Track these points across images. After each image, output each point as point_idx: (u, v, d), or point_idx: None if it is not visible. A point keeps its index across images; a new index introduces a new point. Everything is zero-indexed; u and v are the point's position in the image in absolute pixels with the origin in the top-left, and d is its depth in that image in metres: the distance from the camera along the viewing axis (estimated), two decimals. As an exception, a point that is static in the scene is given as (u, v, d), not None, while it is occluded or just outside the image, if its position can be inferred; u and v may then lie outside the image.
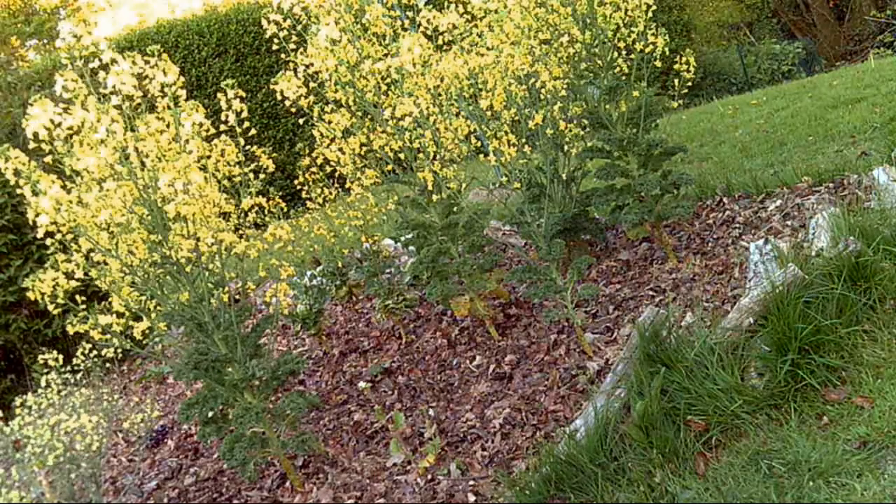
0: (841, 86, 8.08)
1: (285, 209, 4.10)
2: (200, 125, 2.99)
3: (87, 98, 2.84)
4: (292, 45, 3.88)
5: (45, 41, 20.00)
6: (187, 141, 2.99)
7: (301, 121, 4.07)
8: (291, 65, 3.86)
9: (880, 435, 2.65)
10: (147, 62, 2.96)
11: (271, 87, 3.83)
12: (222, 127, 3.23)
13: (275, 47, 3.89)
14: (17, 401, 3.96)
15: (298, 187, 4.52)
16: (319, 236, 4.65)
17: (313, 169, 4.33)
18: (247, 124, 3.24)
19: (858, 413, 2.80)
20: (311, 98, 3.86)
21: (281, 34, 3.85)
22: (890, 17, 14.63)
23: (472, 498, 3.20)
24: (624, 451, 3.02)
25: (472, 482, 3.28)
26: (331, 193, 4.48)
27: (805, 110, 7.20)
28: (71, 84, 2.81)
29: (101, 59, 2.86)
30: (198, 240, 3.08)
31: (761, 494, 2.58)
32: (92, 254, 3.12)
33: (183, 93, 3.05)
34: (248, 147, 3.30)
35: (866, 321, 3.21)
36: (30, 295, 3.12)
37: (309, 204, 4.63)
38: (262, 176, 3.40)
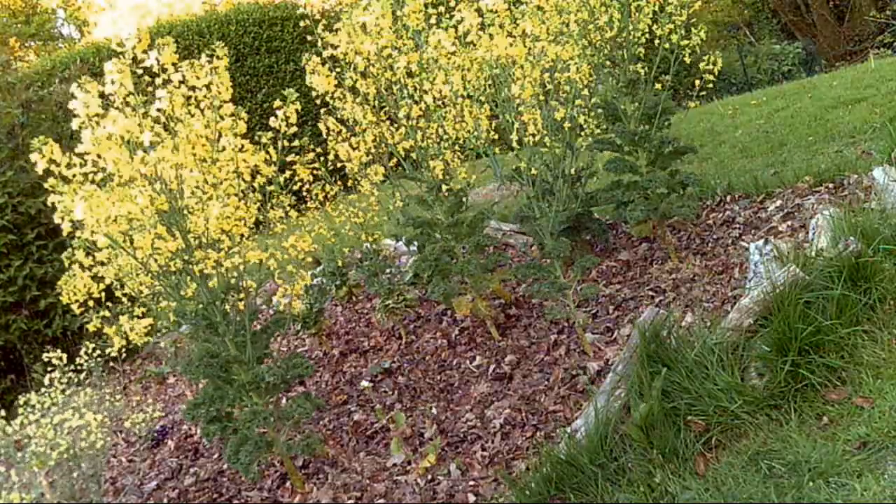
0: (841, 86, 8.08)
1: (291, 211, 4.10)
2: (236, 134, 2.99)
3: (129, 100, 2.82)
4: (321, 28, 3.84)
5: (43, 42, 20.00)
6: (220, 151, 2.99)
7: (322, 110, 4.03)
8: (316, 49, 3.83)
9: (880, 435, 2.65)
10: (209, 61, 2.95)
11: (303, 64, 3.76)
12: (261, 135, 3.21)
13: (303, 24, 3.85)
14: (21, 399, 3.96)
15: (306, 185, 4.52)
16: (320, 235, 4.65)
17: (316, 164, 4.31)
18: (290, 130, 3.20)
19: (858, 413, 2.80)
20: (339, 90, 3.84)
21: (315, 14, 3.82)
22: (890, 18, 14.63)
23: (472, 498, 3.20)
24: (624, 451, 3.02)
25: (472, 482, 3.28)
26: (333, 191, 4.48)
27: (805, 111, 7.20)
28: (118, 76, 2.75)
29: (157, 55, 2.84)
30: (221, 249, 3.07)
31: (761, 494, 2.58)
32: (111, 251, 3.10)
33: (229, 105, 3.03)
34: (284, 156, 3.29)
35: (866, 321, 3.21)
36: (62, 298, 3.12)
37: (310, 203, 4.63)
38: (295, 186, 3.40)
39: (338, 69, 3.83)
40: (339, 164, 4.13)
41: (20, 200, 5.89)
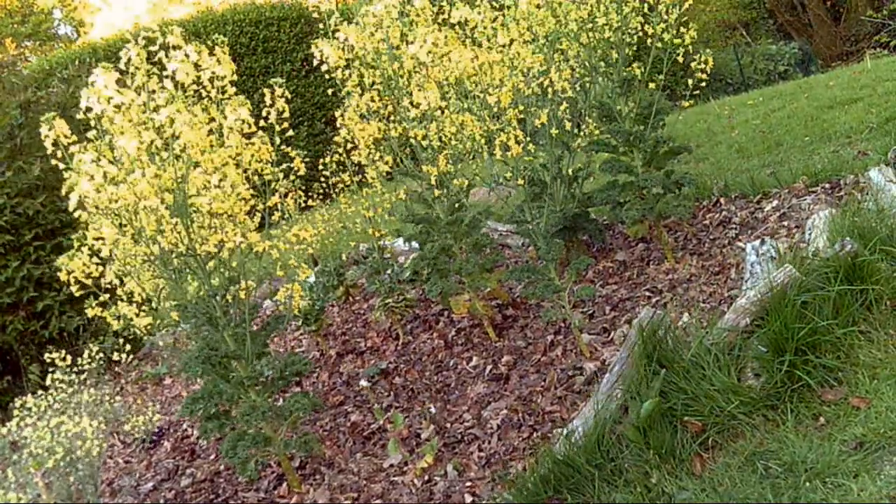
0: (837, 86, 8.09)
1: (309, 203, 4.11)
2: (244, 121, 3.03)
3: (145, 80, 2.88)
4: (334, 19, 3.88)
5: (40, 42, 19.96)
6: (227, 136, 3.03)
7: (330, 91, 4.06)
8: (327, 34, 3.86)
9: (876, 435, 2.65)
10: (211, 51, 3.00)
11: (313, 48, 3.81)
12: (261, 123, 3.25)
13: (315, 14, 3.89)
14: (17, 402, 3.96)
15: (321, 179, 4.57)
16: (321, 234, 4.66)
17: (339, 153, 4.32)
18: (285, 124, 3.25)
19: (855, 414, 2.80)
20: (346, 73, 3.87)
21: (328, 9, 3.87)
22: (886, 18, 14.65)
23: (468, 499, 3.20)
24: (621, 451, 3.02)
25: (469, 483, 3.28)
26: (348, 182, 4.52)
27: (801, 111, 7.21)
28: (136, 59, 2.85)
29: (166, 42, 2.91)
30: (225, 234, 3.10)
31: (758, 495, 2.58)
32: (115, 235, 3.12)
33: (232, 89, 3.08)
34: (281, 147, 3.32)
35: (863, 322, 3.22)
36: (60, 275, 3.15)
37: (311, 201, 4.67)
38: (291, 176, 3.45)
39: (348, 57, 3.87)
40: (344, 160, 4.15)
41: (18, 201, 5.88)
